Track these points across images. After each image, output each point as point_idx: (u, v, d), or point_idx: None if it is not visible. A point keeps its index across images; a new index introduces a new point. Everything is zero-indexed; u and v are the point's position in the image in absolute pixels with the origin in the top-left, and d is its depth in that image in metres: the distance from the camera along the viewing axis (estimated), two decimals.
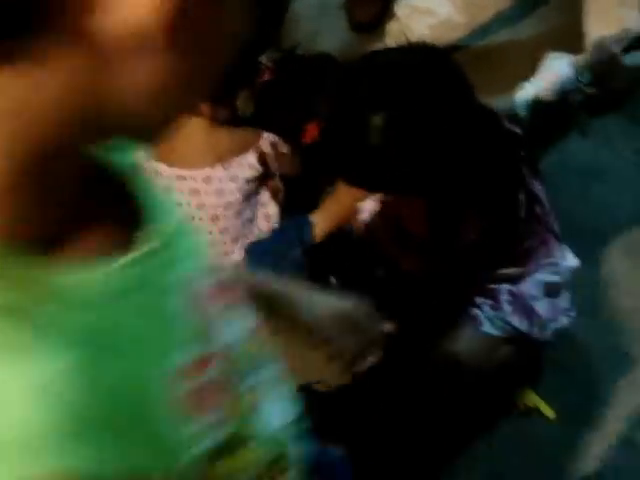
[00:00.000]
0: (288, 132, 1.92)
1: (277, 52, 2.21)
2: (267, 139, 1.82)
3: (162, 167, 1.74)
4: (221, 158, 1.77)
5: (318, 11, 2.58)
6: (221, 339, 0.58)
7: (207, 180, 1.76)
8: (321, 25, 2.53)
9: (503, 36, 2.47)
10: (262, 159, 1.81)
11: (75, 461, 0.42)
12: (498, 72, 2.26)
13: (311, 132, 2.00)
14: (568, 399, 1.88)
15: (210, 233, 1.79)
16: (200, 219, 1.78)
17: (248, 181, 1.79)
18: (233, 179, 1.77)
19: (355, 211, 1.66)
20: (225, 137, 1.79)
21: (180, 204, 1.71)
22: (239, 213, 1.81)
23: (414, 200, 1.44)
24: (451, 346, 1.50)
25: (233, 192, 1.77)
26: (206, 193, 1.76)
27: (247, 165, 1.78)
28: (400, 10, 2.38)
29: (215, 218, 1.78)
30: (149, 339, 0.49)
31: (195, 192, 1.76)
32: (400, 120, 1.25)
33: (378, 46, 2.28)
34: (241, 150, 1.79)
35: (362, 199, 1.63)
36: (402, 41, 2.17)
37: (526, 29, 2.48)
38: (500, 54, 2.41)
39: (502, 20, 2.47)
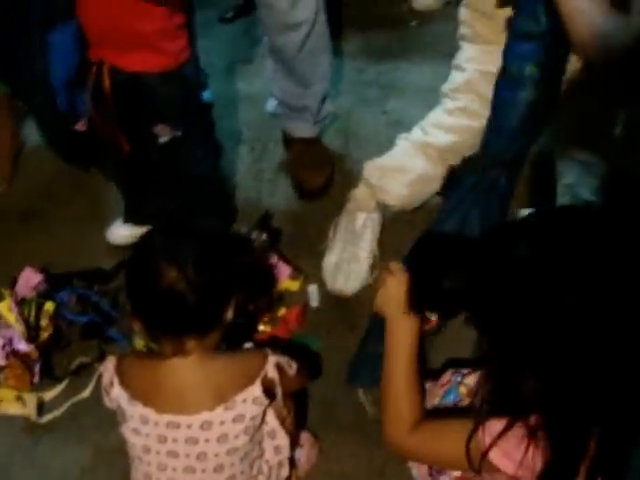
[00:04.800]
0: None
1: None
2: (272, 361, 1.56)
3: (150, 413, 1.51)
4: (222, 397, 1.50)
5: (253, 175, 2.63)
6: None
7: (206, 426, 1.50)
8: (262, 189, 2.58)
9: None
10: (268, 388, 1.55)
11: None
12: None
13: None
14: None
15: None
16: (203, 471, 1.53)
17: (254, 417, 1.53)
18: (237, 419, 1.51)
19: None
20: (224, 368, 1.53)
21: (177, 455, 1.53)
22: (246, 455, 1.58)
23: None
24: None
25: (239, 436, 1.52)
26: (206, 441, 1.50)
27: (252, 400, 1.52)
28: (368, 173, 2.31)
29: (219, 468, 1.54)
30: None
31: (193, 441, 1.51)
32: None
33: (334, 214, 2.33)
34: (245, 383, 1.52)
35: None
36: (371, 207, 2.28)
37: None
38: None
39: None
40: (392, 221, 2.40)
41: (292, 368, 1.63)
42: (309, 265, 2.30)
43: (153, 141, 2.00)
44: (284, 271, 2.27)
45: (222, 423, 1.50)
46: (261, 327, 2.15)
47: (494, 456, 1.32)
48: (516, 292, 1.23)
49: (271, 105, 2.57)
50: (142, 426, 1.52)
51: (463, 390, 1.65)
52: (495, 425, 1.31)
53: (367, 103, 2.87)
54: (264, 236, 2.30)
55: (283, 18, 2.18)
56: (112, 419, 1.62)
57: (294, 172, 2.58)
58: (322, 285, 2.27)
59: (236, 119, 2.79)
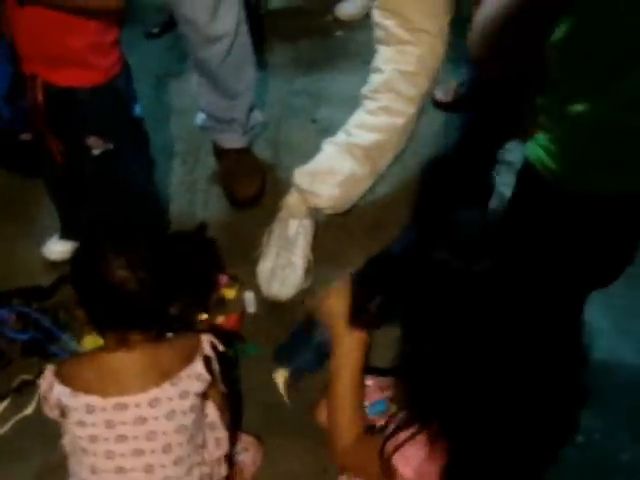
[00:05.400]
0: None
1: None
2: (206, 340, 1.63)
3: (95, 400, 1.52)
4: (167, 375, 1.55)
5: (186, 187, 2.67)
6: None
7: (155, 403, 1.53)
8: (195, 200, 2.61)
9: None
10: (207, 365, 1.61)
11: None
12: None
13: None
14: None
15: (163, 467, 1.57)
16: (152, 452, 1.55)
17: (198, 395, 1.59)
18: (183, 396, 1.55)
19: None
20: (166, 352, 1.58)
21: (125, 439, 1.54)
22: (192, 438, 1.60)
23: None
24: None
25: (186, 413, 1.57)
26: (155, 419, 1.53)
27: (196, 377, 1.58)
28: (298, 179, 2.35)
29: (168, 448, 1.56)
30: None
31: (141, 421, 1.53)
32: None
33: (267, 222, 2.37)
34: (187, 361, 1.58)
35: None
36: (303, 214, 2.32)
37: None
38: None
39: None
40: (325, 226, 2.45)
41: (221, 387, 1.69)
42: (244, 272, 2.33)
43: (86, 153, 2.01)
44: (220, 279, 2.30)
45: (170, 400, 1.54)
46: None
47: (397, 462, 1.37)
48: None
49: (200, 118, 2.59)
50: (88, 416, 1.53)
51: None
52: (403, 434, 1.36)
53: (296, 112, 2.92)
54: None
55: (204, 32, 2.22)
56: (56, 436, 1.63)
57: (226, 182, 2.62)
58: (258, 292, 2.30)
59: (167, 133, 2.82)
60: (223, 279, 2.31)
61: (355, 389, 1.60)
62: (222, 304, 2.27)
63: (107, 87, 1.95)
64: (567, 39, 1.30)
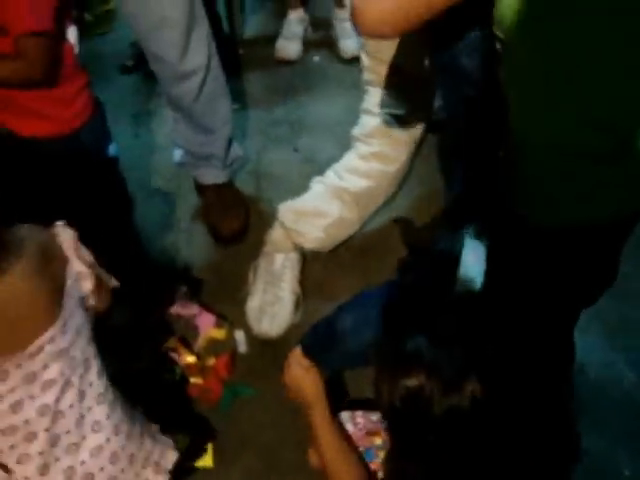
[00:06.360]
0: None
1: None
2: (59, 226, 1.48)
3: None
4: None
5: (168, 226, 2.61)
6: None
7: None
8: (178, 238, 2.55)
9: None
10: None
11: None
12: None
13: None
14: None
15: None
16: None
17: (85, 298, 1.48)
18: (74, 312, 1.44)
19: None
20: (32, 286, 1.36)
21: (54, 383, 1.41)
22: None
23: None
24: None
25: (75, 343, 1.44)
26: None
27: (74, 278, 1.45)
28: (283, 216, 2.31)
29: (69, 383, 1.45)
30: None
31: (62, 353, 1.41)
32: None
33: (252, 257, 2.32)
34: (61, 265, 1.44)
35: None
36: (289, 248, 2.27)
37: None
38: None
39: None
40: (313, 256, 2.40)
41: (111, 281, 1.59)
42: (233, 311, 2.28)
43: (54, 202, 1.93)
44: (208, 320, 2.24)
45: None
46: (192, 380, 2.12)
47: None
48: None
49: (177, 155, 2.54)
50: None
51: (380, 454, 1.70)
52: None
53: (277, 142, 2.87)
54: (184, 288, 2.27)
55: (174, 69, 2.17)
56: None
57: (209, 219, 2.56)
58: (248, 330, 2.25)
59: (146, 170, 2.76)
60: (211, 320, 2.25)
61: (341, 443, 1.67)
62: (212, 345, 2.21)
63: (71, 137, 1.88)
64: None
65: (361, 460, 1.65)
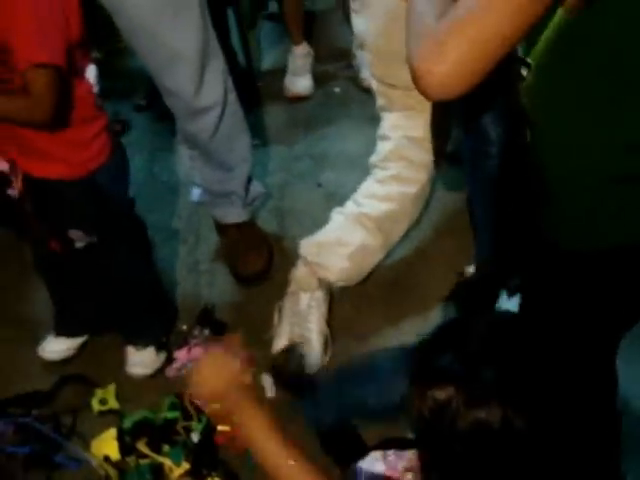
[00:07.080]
0: None
1: None
2: None
3: None
4: None
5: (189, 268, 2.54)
6: None
7: None
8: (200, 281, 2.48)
9: None
10: None
11: None
12: None
13: None
14: None
15: None
16: None
17: None
18: None
19: None
20: None
21: None
22: None
23: None
24: None
25: None
26: None
27: None
28: (305, 251, 2.23)
29: None
30: None
31: None
32: None
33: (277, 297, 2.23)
34: None
35: None
36: (314, 285, 2.21)
37: None
38: None
39: None
40: (341, 293, 2.32)
41: None
42: (258, 354, 2.17)
43: (70, 246, 1.89)
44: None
45: None
46: (219, 427, 2.05)
47: None
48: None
49: (196, 194, 2.48)
50: None
51: None
52: None
53: (300, 177, 2.81)
54: (206, 332, 2.19)
55: (190, 104, 2.10)
56: None
57: (230, 259, 2.49)
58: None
59: (164, 211, 2.70)
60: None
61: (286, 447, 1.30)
62: None
63: (85, 181, 1.81)
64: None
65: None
